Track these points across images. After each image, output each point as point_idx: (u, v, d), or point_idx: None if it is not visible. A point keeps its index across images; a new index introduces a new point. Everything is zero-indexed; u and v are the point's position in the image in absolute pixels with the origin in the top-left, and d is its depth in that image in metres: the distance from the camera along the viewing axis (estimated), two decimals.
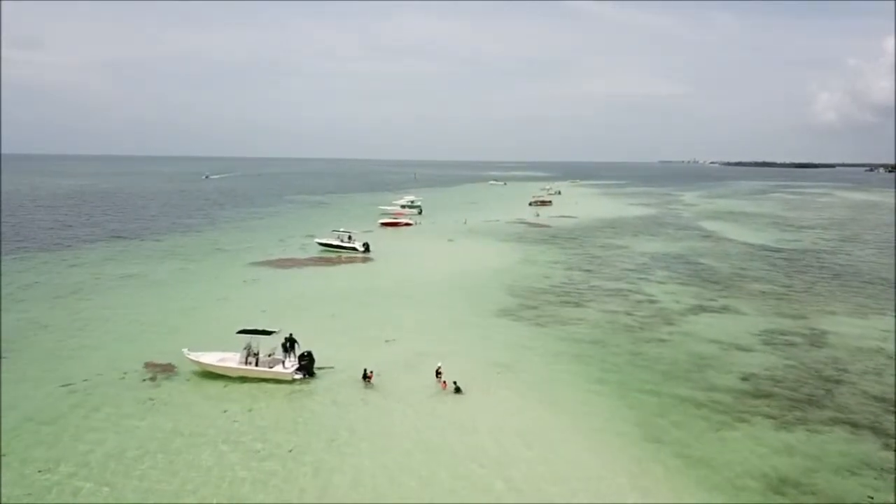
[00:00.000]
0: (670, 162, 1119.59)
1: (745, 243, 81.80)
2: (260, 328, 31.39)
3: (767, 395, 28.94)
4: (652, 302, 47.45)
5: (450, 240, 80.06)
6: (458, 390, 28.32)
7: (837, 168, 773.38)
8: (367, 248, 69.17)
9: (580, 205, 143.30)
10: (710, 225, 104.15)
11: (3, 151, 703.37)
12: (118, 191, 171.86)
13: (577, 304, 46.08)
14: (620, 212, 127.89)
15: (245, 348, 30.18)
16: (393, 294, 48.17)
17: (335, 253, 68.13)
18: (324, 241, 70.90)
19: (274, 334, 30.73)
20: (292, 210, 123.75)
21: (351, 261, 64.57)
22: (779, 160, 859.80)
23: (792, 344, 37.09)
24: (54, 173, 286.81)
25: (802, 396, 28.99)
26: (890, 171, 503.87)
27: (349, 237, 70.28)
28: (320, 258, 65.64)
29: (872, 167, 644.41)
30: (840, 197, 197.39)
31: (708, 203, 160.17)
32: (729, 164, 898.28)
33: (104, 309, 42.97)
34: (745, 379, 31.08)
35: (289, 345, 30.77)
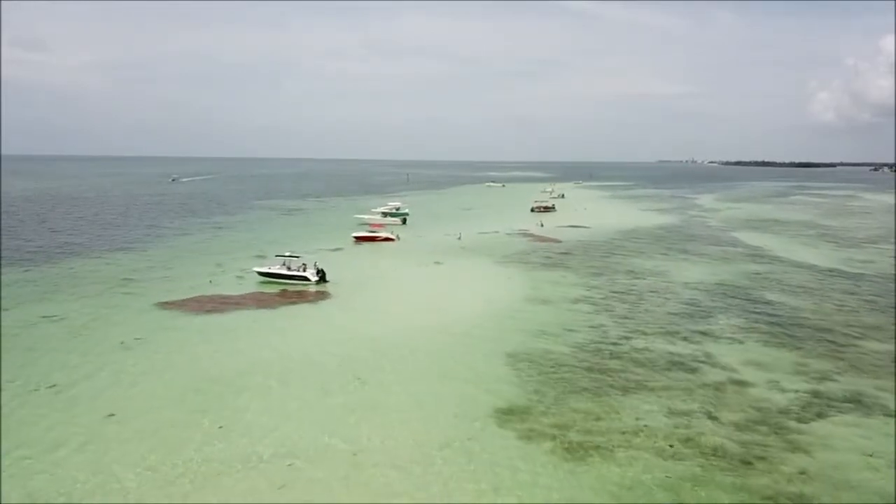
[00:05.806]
0: (668, 161, 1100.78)
1: (807, 266, 64.87)
2: None
3: None
4: (736, 384, 30.50)
5: (437, 262, 63.21)
6: None
7: (839, 167, 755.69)
8: (322, 277, 52.17)
9: (589, 211, 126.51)
10: (748, 238, 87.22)
11: (3, 152, 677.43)
12: (78, 195, 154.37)
13: (623, 392, 29.08)
14: (637, 220, 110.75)
15: None
16: (333, 376, 31.01)
17: (279, 285, 51.14)
18: (264, 269, 53.78)
19: None
20: (256, 219, 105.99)
21: (296, 300, 47.51)
22: (779, 159, 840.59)
23: None
24: (26, 174, 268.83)
25: None
26: (894, 171, 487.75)
27: (303, 266, 53.18)
28: (256, 294, 48.58)
29: (877, 166, 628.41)
30: (869, 200, 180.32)
31: (730, 208, 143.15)
32: (728, 163, 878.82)
33: None
34: None
35: None
